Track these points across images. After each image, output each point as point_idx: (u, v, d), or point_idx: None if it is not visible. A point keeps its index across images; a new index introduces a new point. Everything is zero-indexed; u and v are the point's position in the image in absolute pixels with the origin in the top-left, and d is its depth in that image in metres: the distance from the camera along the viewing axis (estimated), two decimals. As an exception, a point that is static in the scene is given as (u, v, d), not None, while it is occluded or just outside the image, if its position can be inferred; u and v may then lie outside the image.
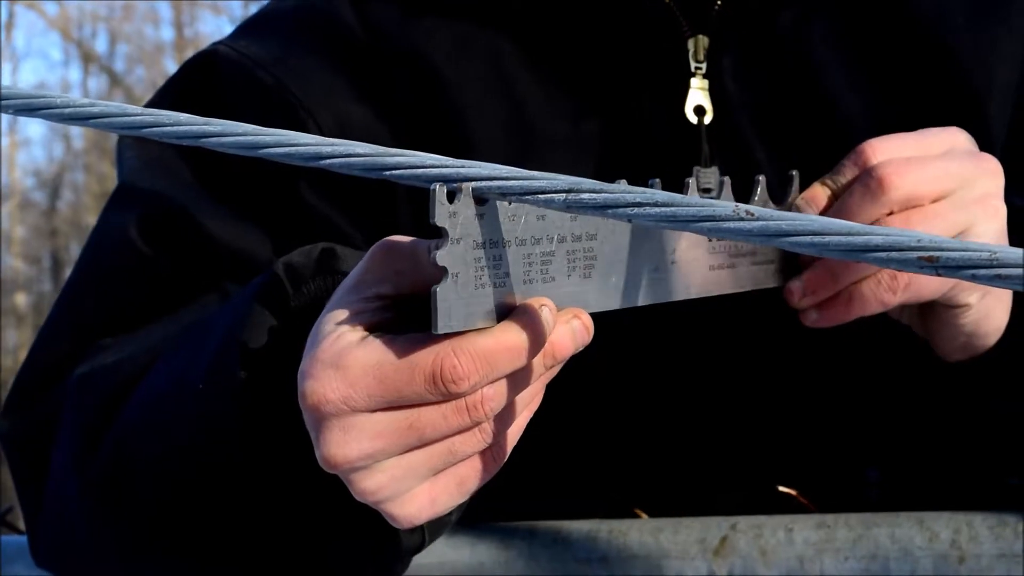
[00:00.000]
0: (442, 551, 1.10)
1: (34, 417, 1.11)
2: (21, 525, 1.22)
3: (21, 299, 14.81)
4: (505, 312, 0.76)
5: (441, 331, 0.72)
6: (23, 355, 1.20)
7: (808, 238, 0.56)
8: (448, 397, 0.75)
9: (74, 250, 14.53)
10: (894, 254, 0.55)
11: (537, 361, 0.77)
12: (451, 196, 0.71)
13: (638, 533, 1.09)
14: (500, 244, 0.75)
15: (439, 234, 0.71)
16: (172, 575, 1.02)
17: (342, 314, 0.78)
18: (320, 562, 0.94)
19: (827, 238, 0.56)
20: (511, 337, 0.75)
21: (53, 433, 1.07)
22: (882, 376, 1.16)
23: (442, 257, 0.71)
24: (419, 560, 0.99)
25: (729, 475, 1.17)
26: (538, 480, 1.16)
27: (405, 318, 0.77)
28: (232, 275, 1.12)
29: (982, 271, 0.53)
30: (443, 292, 0.71)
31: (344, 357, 0.75)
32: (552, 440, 1.15)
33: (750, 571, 1.06)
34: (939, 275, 0.53)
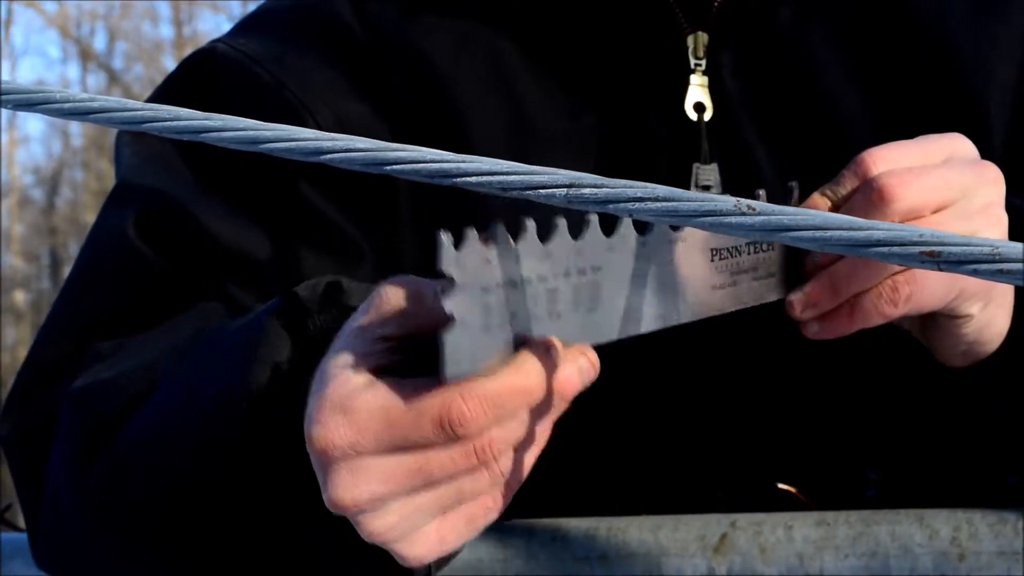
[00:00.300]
0: (441, 548, 1.10)
1: (33, 419, 1.11)
2: (20, 522, 1.22)
3: (20, 297, 14.81)
4: (512, 352, 0.76)
5: (450, 379, 0.72)
6: (22, 352, 1.20)
7: (810, 233, 0.56)
8: (456, 440, 0.75)
9: (73, 248, 14.53)
10: (896, 249, 0.55)
11: (544, 401, 0.77)
12: (457, 243, 0.71)
13: (637, 531, 1.09)
14: (506, 286, 0.74)
15: (445, 278, 0.71)
16: None
17: (348, 357, 0.77)
18: None
19: (829, 233, 0.55)
20: (519, 380, 0.75)
21: (51, 435, 1.07)
22: (881, 376, 1.15)
23: (450, 304, 0.71)
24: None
25: (728, 473, 1.17)
26: (537, 479, 1.16)
27: (412, 360, 0.77)
28: (232, 275, 1.11)
29: (984, 266, 0.53)
30: (451, 340, 0.71)
31: (351, 401, 0.75)
32: (551, 438, 1.15)
33: (749, 569, 1.06)
34: (941, 270, 0.53)
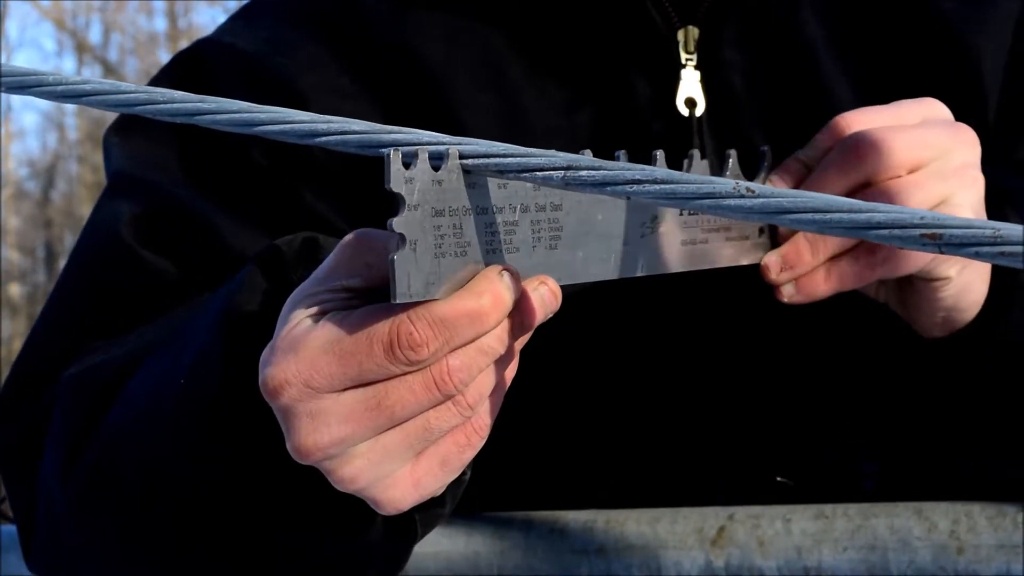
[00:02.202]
0: (437, 540, 1.09)
1: (24, 423, 1.09)
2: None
3: (15, 290, 14.81)
4: (467, 282, 0.74)
5: (399, 300, 0.69)
6: (17, 345, 1.19)
7: (810, 215, 0.55)
8: (410, 367, 0.73)
9: (68, 240, 14.53)
10: (896, 231, 0.54)
11: (503, 329, 0.75)
12: (407, 163, 0.69)
13: (635, 523, 1.09)
14: (460, 212, 0.72)
15: (395, 202, 0.69)
16: None
17: (304, 303, 0.76)
18: (307, 561, 0.93)
19: (829, 215, 0.55)
20: (470, 303, 0.73)
21: (43, 438, 1.06)
22: (871, 364, 1.15)
23: (399, 224, 0.69)
24: (415, 549, 0.99)
25: (724, 465, 1.16)
26: (534, 471, 1.16)
27: None
28: (228, 273, 1.10)
29: (986, 248, 0.52)
30: (401, 260, 0.69)
31: (301, 340, 0.74)
32: (547, 430, 1.14)
33: (748, 562, 1.06)
34: (942, 252, 0.53)
